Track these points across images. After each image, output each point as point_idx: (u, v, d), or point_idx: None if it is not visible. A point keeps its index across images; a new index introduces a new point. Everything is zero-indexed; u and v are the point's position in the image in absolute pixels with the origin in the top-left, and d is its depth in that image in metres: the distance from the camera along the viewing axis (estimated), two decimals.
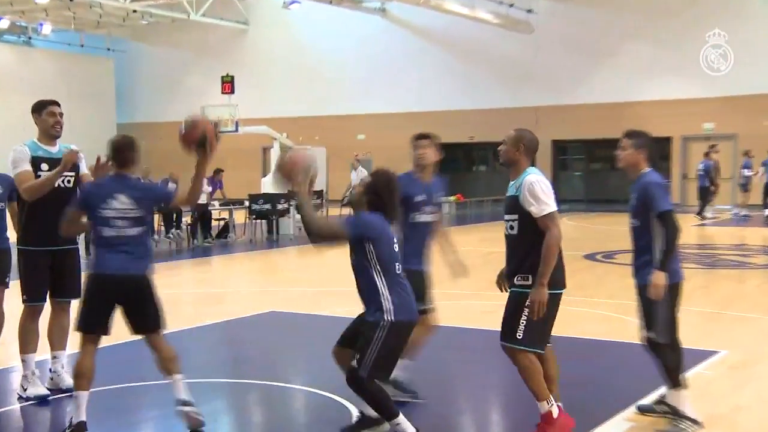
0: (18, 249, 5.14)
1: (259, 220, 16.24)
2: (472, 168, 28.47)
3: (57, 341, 5.25)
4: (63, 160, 4.81)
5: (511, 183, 4.28)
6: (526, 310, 4.13)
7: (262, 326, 7.85)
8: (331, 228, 4.16)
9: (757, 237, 16.02)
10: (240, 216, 16.79)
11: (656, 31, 24.25)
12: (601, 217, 21.15)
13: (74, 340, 4.66)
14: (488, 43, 26.12)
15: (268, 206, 15.98)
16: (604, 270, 11.10)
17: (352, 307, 4.55)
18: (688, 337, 4.80)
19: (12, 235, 5.38)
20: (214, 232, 15.62)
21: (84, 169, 5.14)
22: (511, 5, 23.92)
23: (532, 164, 4.30)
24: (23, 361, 5.16)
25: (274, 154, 21.82)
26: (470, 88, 26.65)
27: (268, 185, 16.82)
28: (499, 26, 24.79)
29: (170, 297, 6.28)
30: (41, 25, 28.43)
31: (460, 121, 26.16)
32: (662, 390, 4.66)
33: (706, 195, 19.75)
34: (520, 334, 4.16)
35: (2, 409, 5.05)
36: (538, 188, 4.12)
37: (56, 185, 4.89)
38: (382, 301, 4.04)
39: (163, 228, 14.62)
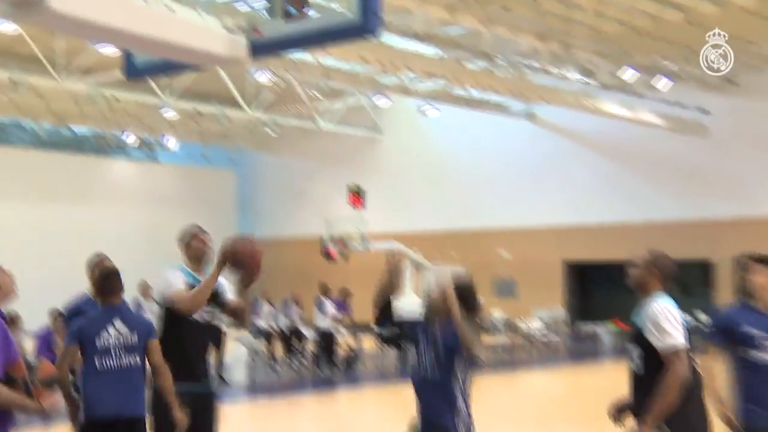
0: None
1: (389, 347, 15.88)
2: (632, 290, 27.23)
3: None
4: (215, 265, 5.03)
5: (638, 309, 4.25)
6: None
7: None
8: None
9: None
10: (369, 342, 16.51)
11: None
12: None
13: None
14: (652, 147, 25.35)
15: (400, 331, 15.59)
16: None
17: None
18: None
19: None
20: (339, 360, 15.38)
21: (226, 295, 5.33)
22: (681, 105, 23.21)
23: (667, 293, 4.22)
24: None
25: (407, 274, 21.66)
26: (631, 197, 25.77)
27: (401, 309, 16.52)
28: (666, 128, 24.08)
29: None
30: (165, 138, 30.25)
31: (620, 235, 25.19)
32: None
33: None
34: None
35: None
36: (662, 317, 4.05)
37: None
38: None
39: (283, 354, 14.51)
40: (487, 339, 19.33)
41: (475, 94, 23.92)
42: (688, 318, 4.67)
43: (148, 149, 33.02)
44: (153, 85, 21.88)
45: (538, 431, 10.16)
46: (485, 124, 27.84)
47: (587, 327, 23.23)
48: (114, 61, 18.14)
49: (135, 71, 6.68)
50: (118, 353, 4.57)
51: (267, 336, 16.19)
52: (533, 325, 20.51)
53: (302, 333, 16.32)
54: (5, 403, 4.17)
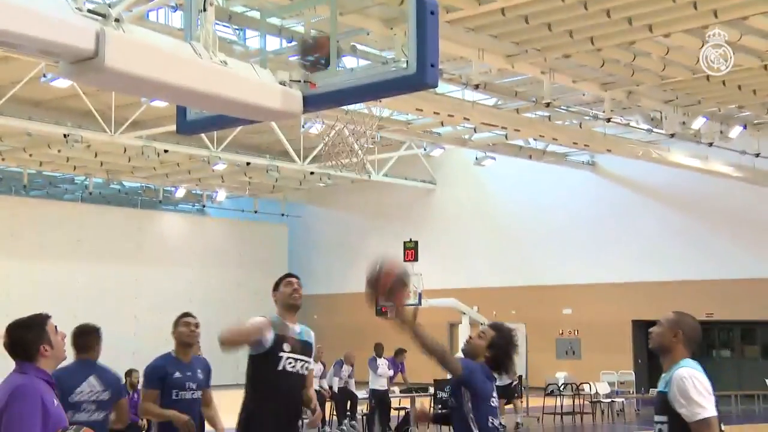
0: None
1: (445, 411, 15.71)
2: (711, 352, 26.49)
3: None
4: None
5: (663, 376, 4.15)
6: None
7: None
8: (447, 356, 4.73)
9: None
10: (424, 405, 16.34)
11: None
12: None
13: None
14: (726, 199, 24.92)
15: None
16: None
17: None
18: None
19: None
20: (393, 424, 15.27)
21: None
22: (757, 155, 22.81)
23: (693, 357, 4.18)
24: None
25: (463, 331, 21.52)
26: (704, 252, 25.28)
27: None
28: (741, 179, 23.65)
29: None
30: (215, 192, 30.75)
31: (693, 294, 24.65)
32: None
33: None
34: None
35: None
36: (690, 385, 3.98)
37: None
38: None
39: (335, 417, 14.47)
40: (549, 401, 19.02)
41: (534, 143, 23.93)
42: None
43: (197, 202, 33.64)
44: (203, 137, 22.37)
45: None
46: (545, 174, 27.69)
47: None
48: (165, 114, 18.64)
49: (188, 126, 6.82)
50: (90, 407, 4.87)
51: (318, 398, 16.15)
52: (599, 388, 20.13)
53: (354, 394, 16.28)
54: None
